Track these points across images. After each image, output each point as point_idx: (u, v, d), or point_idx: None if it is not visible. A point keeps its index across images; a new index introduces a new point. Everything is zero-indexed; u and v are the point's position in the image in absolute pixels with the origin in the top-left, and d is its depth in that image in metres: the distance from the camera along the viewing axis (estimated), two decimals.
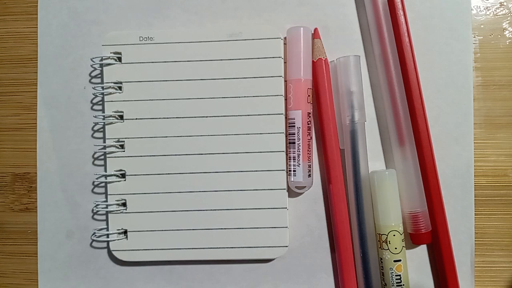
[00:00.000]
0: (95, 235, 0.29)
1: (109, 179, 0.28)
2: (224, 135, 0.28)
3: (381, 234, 0.26)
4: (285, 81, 0.28)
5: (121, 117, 0.28)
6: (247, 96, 0.28)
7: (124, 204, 0.28)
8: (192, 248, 0.28)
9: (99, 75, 0.29)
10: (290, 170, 0.27)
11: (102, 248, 0.29)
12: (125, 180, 0.28)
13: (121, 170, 0.28)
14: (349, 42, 0.29)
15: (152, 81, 0.28)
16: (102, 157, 0.29)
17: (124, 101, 0.28)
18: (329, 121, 0.27)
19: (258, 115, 0.28)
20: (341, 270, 0.27)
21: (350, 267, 0.27)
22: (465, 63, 0.28)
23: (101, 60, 0.28)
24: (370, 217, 0.27)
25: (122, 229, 0.28)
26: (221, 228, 0.28)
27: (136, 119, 0.28)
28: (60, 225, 0.29)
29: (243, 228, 0.27)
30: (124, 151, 0.28)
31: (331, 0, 0.29)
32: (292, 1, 0.29)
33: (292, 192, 0.28)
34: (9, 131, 0.30)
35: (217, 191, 0.28)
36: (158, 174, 0.28)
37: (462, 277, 0.27)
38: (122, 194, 0.28)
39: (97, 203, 0.28)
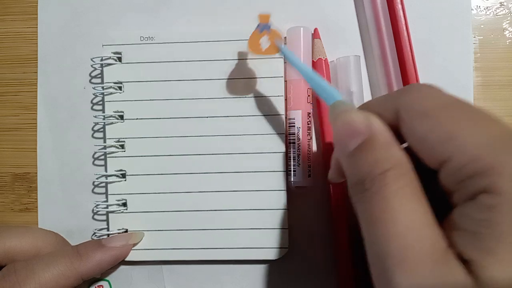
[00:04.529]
0: (95, 235, 0.29)
1: (109, 179, 0.28)
2: (224, 135, 0.28)
3: None
4: (285, 81, 0.28)
5: (121, 117, 0.28)
6: (247, 96, 0.28)
7: (124, 204, 0.28)
8: (192, 248, 0.28)
9: (99, 75, 0.29)
10: (290, 170, 0.27)
11: None
12: (125, 180, 0.28)
13: (121, 170, 0.28)
14: (349, 42, 0.29)
15: (153, 81, 0.28)
16: (102, 157, 0.29)
17: (124, 101, 0.28)
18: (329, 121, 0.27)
19: (258, 115, 0.28)
20: (339, 270, 0.27)
21: (349, 269, 0.27)
22: (465, 63, 0.28)
23: (101, 60, 0.28)
24: None
25: (122, 229, 0.28)
26: (221, 229, 0.28)
27: (136, 119, 0.28)
28: (60, 225, 0.29)
29: (243, 229, 0.27)
30: (124, 151, 0.28)
31: (331, 0, 0.29)
32: (292, 1, 0.29)
33: (292, 192, 0.28)
34: (9, 131, 0.30)
35: (217, 191, 0.28)
36: (158, 174, 0.28)
37: None
38: (122, 194, 0.28)
39: (97, 203, 0.28)
